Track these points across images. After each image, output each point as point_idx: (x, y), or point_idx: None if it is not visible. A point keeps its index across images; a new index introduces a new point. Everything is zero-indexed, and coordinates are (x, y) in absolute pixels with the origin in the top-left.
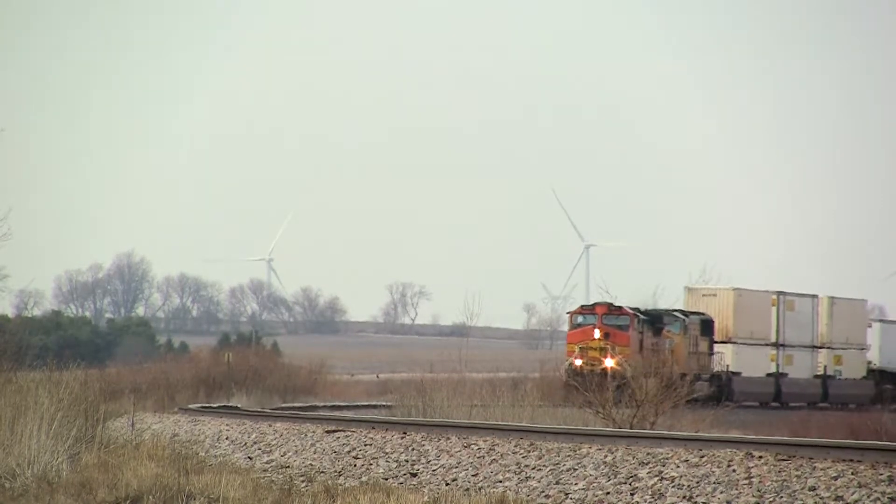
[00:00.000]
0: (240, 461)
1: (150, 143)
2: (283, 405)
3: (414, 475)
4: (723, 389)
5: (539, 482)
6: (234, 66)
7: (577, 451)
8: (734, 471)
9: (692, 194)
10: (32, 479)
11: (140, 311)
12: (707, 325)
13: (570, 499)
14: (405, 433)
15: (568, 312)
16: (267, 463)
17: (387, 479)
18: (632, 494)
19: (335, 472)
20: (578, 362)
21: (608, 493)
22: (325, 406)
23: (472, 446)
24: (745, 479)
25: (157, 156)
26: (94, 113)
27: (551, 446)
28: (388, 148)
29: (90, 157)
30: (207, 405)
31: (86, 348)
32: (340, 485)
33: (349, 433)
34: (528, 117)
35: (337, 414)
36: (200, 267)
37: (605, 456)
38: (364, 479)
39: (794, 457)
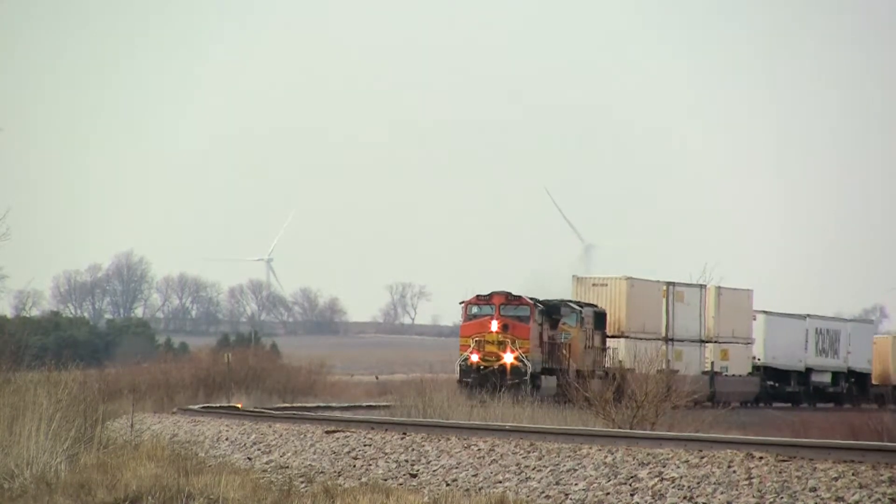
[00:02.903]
0: (239, 462)
1: (150, 143)
2: (275, 406)
3: (414, 476)
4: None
5: (539, 483)
6: (235, 65)
7: (577, 452)
8: (734, 471)
9: (692, 194)
10: (31, 480)
11: (139, 311)
12: (600, 318)
13: (571, 499)
14: (405, 434)
15: (461, 303)
16: (266, 463)
17: (386, 480)
18: (632, 495)
19: (335, 472)
20: (474, 358)
21: (608, 493)
22: (306, 407)
23: (472, 447)
24: (746, 479)
25: (157, 156)
26: (94, 113)
27: (551, 447)
28: (388, 147)
29: (90, 157)
30: (208, 405)
31: (84, 349)
32: (340, 485)
33: (349, 434)
34: (529, 117)
35: (324, 415)
36: (200, 267)
37: (606, 456)
38: (364, 479)
39: (795, 457)
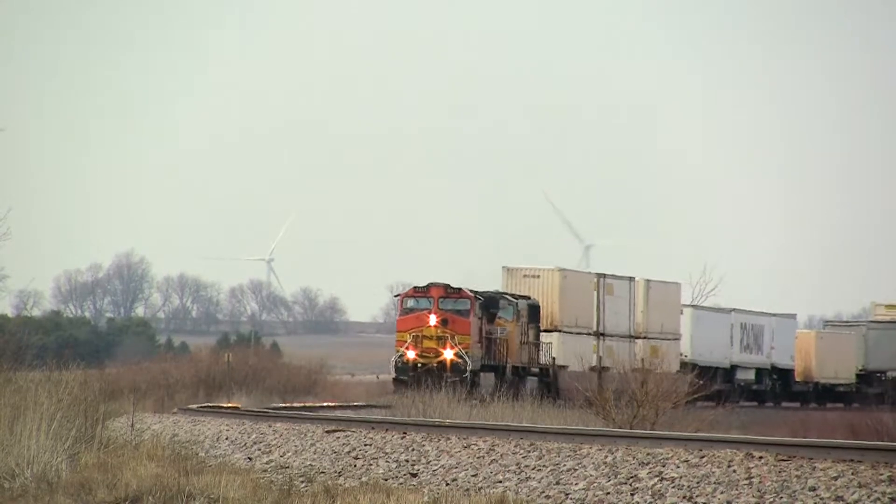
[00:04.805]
0: (240, 461)
1: (150, 143)
2: (278, 406)
3: (414, 475)
4: (550, 386)
5: (539, 482)
6: (235, 65)
7: (578, 452)
8: (734, 471)
9: (692, 194)
10: (32, 480)
11: (140, 311)
12: (534, 311)
13: (571, 499)
14: (405, 433)
15: (396, 295)
16: (267, 463)
17: (387, 480)
18: (632, 495)
19: (335, 472)
20: (411, 354)
21: (608, 493)
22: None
23: (472, 446)
24: (746, 479)
25: (156, 156)
26: (94, 113)
27: (551, 446)
28: (389, 147)
29: (90, 157)
30: (208, 405)
31: (85, 348)
32: (340, 485)
33: (349, 433)
34: (528, 116)
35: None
36: (200, 267)
37: (606, 456)
38: (364, 479)
39: (795, 457)
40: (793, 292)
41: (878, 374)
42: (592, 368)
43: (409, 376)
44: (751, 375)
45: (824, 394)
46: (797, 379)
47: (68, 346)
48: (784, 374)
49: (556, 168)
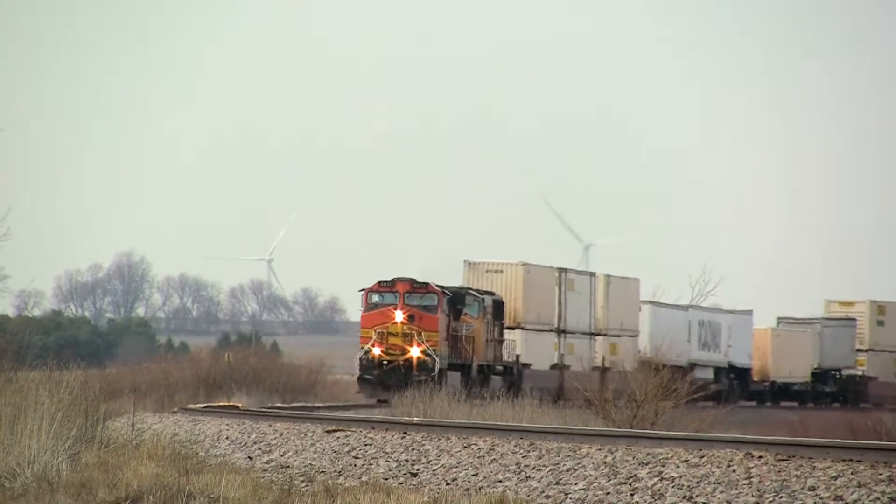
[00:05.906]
0: (240, 461)
1: (150, 143)
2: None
3: (414, 475)
4: (514, 385)
5: (539, 482)
6: (235, 65)
7: (577, 452)
8: (734, 471)
9: (692, 194)
10: (32, 479)
11: (140, 311)
12: (499, 308)
13: (570, 499)
14: (405, 433)
15: (361, 290)
16: (267, 463)
17: (387, 479)
18: (632, 494)
19: (335, 471)
20: (377, 351)
21: (608, 493)
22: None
23: (472, 446)
24: (745, 479)
25: (157, 156)
26: (95, 113)
27: (551, 446)
28: (388, 148)
29: (90, 157)
30: (210, 405)
31: (86, 348)
32: (340, 485)
33: (349, 433)
34: (528, 116)
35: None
36: (200, 267)
37: (605, 456)
38: (364, 478)
39: (794, 457)
40: (793, 292)
41: (833, 373)
42: (554, 366)
43: (375, 375)
44: (709, 374)
45: (780, 393)
46: (754, 378)
47: (69, 346)
48: (742, 373)
49: (557, 170)
